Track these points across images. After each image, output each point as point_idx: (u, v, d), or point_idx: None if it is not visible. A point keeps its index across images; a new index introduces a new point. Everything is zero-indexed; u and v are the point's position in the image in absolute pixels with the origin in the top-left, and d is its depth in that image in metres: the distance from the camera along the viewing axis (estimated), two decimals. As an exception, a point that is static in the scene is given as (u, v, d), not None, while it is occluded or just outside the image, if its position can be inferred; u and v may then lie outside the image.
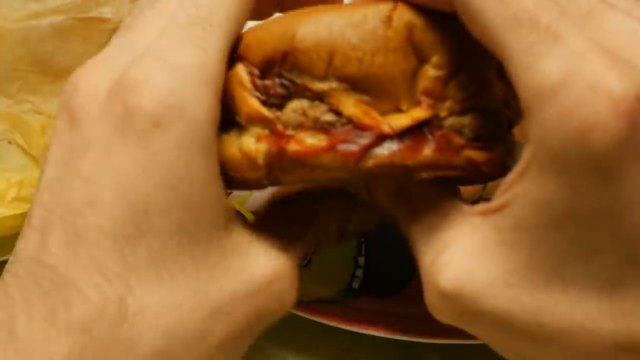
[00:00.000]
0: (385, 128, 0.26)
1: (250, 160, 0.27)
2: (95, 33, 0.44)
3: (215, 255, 0.26)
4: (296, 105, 0.26)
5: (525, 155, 0.24)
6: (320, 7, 0.28)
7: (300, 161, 0.26)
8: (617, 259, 0.24)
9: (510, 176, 0.25)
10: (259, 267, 0.27)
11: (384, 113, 0.26)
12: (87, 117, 0.26)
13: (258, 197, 0.39)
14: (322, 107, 0.26)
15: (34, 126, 0.44)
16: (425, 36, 0.26)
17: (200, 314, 0.26)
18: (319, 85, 0.26)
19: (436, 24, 0.27)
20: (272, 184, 0.27)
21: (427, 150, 0.26)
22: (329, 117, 0.26)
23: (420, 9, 0.26)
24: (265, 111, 0.27)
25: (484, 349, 0.37)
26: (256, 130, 0.27)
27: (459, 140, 0.27)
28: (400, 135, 0.26)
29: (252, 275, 0.27)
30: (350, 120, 0.26)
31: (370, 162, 0.26)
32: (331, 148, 0.26)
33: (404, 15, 0.26)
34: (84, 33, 0.44)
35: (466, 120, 0.27)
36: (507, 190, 0.25)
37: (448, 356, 0.37)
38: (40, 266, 0.25)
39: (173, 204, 0.25)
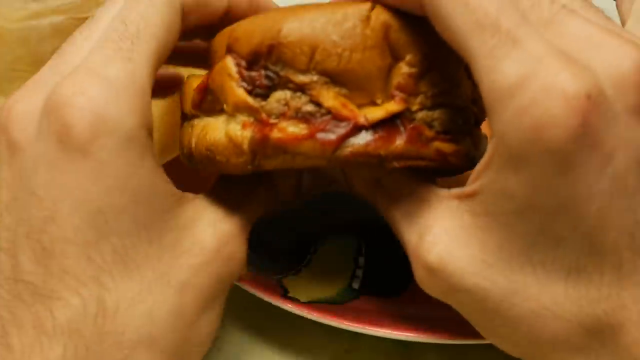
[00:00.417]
0: (361, 119, 0.28)
1: (235, 145, 0.29)
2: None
3: (170, 237, 0.28)
4: (279, 95, 0.28)
5: (489, 148, 0.26)
6: (305, 5, 0.30)
7: (282, 148, 0.28)
8: (580, 247, 0.25)
9: (479, 166, 0.27)
10: (207, 237, 0.30)
11: (360, 106, 0.28)
12: (27, 139, 0.28)
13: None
14: (304, 98, 0.28)
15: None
16: (400, 36, 0.29)
17: (171, 292, 0.28)
18: (301, 78, 0.28)
19: (411, 26, 0.29)
20: (256, 169, 0.29)
21: (399, 141, 0.28)
22: (310, 107, 0.28)
23: (396, 11, 0.29)
24: (250, 100, 0.29)
25: (484, 348, 0.37)
26: (242, 118, 0.29)
27: (428, 132, 0.29)
28: (375, 126, 0.28)
29: (202, 246, 0.29)
30: (329, 111, 0.28)
31: (346, 151, 0.28)
32: (311, 136, 0.28)
33: (381, 15, 0.28)
34: (84, 33, 0.44)
35: (436, 114, 0.29)
36: (477, 179, 0.27)
37: (448, 356, 0.37)
38: (19, 284, 0.27)
39: (124, 203, 0.27)
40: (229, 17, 0.32)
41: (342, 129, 0.28)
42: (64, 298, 0.26)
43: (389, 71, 0.28)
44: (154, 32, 0.29)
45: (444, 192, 0.29)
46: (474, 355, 0.37)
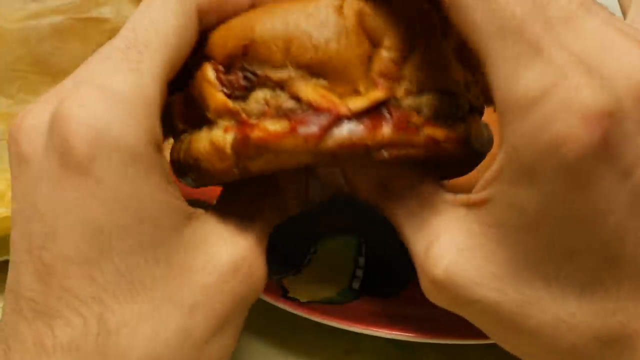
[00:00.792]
0: (343, 109, 0.27)
1: (218, 150, 0.28)
2: (95, 33, 0.44)
3: (179, 256, 0.27)
4: (259, 95, 0.28)
5: (500, 158, 0.25)
6: (277, 3, 0.29)
7: (264, 147, 0.27)
8: (595, 261, 0.25)
9: (488, 174, 0.26)
10: (222, 255, 0.28)
11: (342, 96, 0.27)
12: (34, 154, 0.27)
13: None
14: (284, 96, 0.28)
15: (34, 126, 0.44)
16: (376, 22, 0.28)
17: (179, 314, 0.27)
18: (279, 74, 0.28)
19: (386, 10, 0.28)
20: (242, 173, 0.28)
21: (386, 130, 0.27)
22: (290, 104, 0.28)
23: None
24: (230, 103, 0.28)
25: (484, 348, 0.37)
26: (224, 122, 0.28)
27: (417, 119, 0.28)
28: (359, 116, 0.27)
29: (217, 265, 0.28)
30: (309, 105, 0.27)
31: (330, 143, 0.27)
32: (292, 131, 0.27)
33: (354, 3, 0.28)
34: (84, 33, 0.44)
35: (424, 100, 0.28)
36: (485, 187, 0.26)
37: (448, 356, 0.37)
38: (21, 299, 0.26)
39: (127, 222, 0.26)
40: None
41: (323, 121, 0.27)
42: (65, 317, 0.26)
43: (369, 59, 0.28)
44: (164, 39, 0.28)
45: (450, 197, 0.28)
46: (474, 355, 0.37)
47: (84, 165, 0.26)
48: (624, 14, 0.34)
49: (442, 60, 0.29)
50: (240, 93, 0.28)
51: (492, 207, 0.26)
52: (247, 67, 0.28)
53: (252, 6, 0.30)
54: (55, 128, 0.26)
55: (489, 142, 0.32)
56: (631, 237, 0.24)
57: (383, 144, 0.27)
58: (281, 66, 0.28)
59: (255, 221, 0.30)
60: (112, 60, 0.27)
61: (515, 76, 0.24)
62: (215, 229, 0.29)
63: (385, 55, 0.28)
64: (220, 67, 0.29)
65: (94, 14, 0.44)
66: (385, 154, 0.27)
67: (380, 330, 0.35)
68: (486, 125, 0.32)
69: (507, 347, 0.28)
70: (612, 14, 0.26)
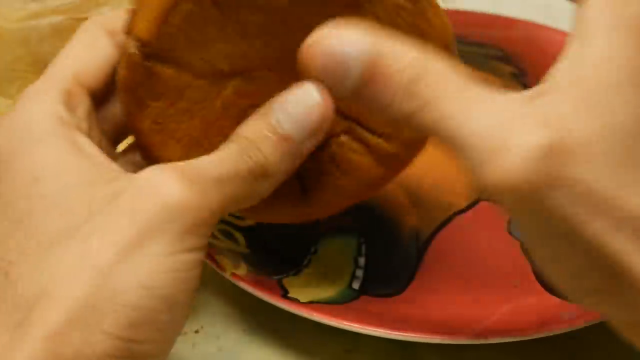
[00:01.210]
0: None
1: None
2: (95, 33, 0.44)
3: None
4: None
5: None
6: None
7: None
8: None
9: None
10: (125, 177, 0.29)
11: None
12: None
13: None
14: None
15: (34, 126, 0.44)
16: None
17: (75, 243, 0.27)
18: None
19: None
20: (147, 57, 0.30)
21: None
22: None
23: None
24: None
25: (483, 349, 0.37)
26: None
27: None
28: None
29: (118, 187, 0.28)
30: None
31: None
32: None
33: None
34: (84, 33, 0.44)
35: None
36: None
37: (448, 356, 0.37)
38: None
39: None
40: None
41: None
42: None
43: None
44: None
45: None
46: (474, 355, 0.37)
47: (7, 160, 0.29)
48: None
49: None
50: None
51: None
52: None
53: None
54: None
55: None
56: None
57: None
58: None
59: (214, 169, 0.29)
60: None
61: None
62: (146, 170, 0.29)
63: None
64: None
65: (94, 13, 0.44)
66: None
67: (380, 330, 0.35)
68: None
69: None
70: None
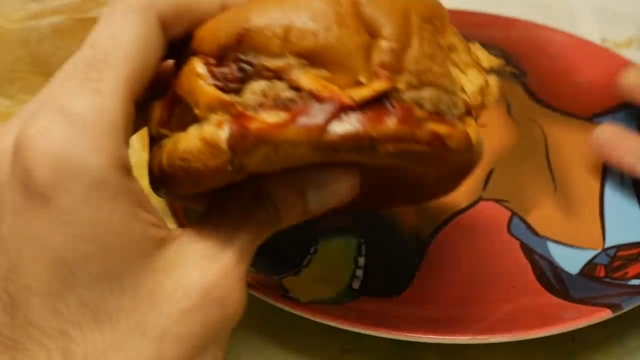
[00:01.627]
0: (346, 99, 0.26)
1: (211, 146, 0.27)
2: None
3: (148, 283, 0.26)
4: (255, 86, 0.27)
5: None
6: None
7: (263, 139, 0.26)
8: None
9: None
10: (192, 281, 0.27)
11: (342, 86, 0.26)
12: (2, 180, 0.26)
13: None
14: (281, 85, 0.26)
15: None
16: (372, 11, 0.27)
17: (148, 344, 0.26)
18: (277, 63, 0.26)
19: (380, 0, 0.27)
20: (237, 170, 0.27)
21: (391, 122, 0.26)
22: (289, 93, 0.26)
23: None
24: (224, 96, 0.27)
25: (483, 348, 0.37)
26: (216, 117, 0.27)
27: (420, 113, 0.27)
28: (362, 107, 0.26)
29: (186, 292, 0.27)
30: (310, 94, 0.26)
31: (334, 135, 0.26)
32: (293, 121, 0.26)
33: None
34: (84, 33, 0.44)
35: (425, 93, 0.27)
36: None
37: (448, 356, 0.37)
38: None
39: (92, 252, 0.25)
40: None
41: (327, 112, 0.26)
42: (29, 349, 0.25)
43: (368, 49, 0.27)
44: (126, 54, 0.27)
45: None
46: (474, 355, 0.37)
47: (46, 195, 0.25)
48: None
49: (439, 56, 0.28)
50: (233, 86, 0.27)
51: None
52: (241, 57, 0.27)
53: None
54: (17, 157, 0.25)
55: (482, 152, 0.31)
56: None
57: (388, 137, 0.26)
58: (279, 55, 0.27)
59: (235, 240, 0.28)
60: (72, 81, 0.26)
61: None
62: (188, 252, 0.27)
63: (385, 45, 0.27)
64: (211, 60, 0.27)
65: (94, 14, 0.44)
66: (390, 147, 0.26)
67: (380, 330, 0.35)
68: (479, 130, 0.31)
69: None
70: None
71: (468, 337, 0.35)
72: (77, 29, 0.44)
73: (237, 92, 0.27)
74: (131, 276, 0.26)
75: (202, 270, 0.27)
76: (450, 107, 0.28)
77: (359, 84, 0.27)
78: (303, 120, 0.26)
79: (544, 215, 0.43)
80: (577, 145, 0.47)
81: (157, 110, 0.29)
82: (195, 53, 0.28)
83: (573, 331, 0.36)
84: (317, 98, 0.26)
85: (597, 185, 0.45)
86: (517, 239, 0.42)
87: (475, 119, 0.30)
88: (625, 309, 0.36)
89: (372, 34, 0.27)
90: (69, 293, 0.25)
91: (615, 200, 0.44)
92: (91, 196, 0.25)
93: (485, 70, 0.30)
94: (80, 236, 0.25)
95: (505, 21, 0.55)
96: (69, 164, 0.25)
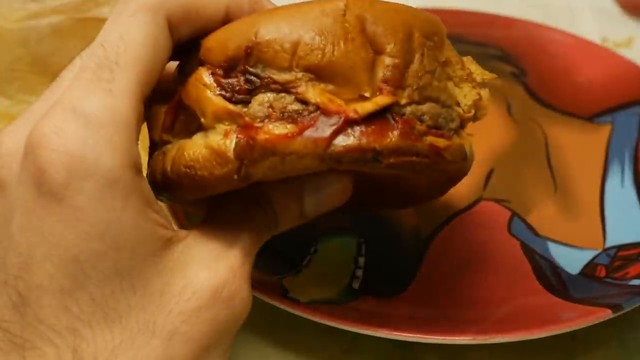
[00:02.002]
0: (352, 113, 0.27)
1: (219, 155, 0.27)
2: (95, 33, 0.45)
3: (157, 282, 0.27)
4: (262, 98, 0.27)
5: None
6: (278, 7, 0.29)
7: (270, 150, 0.27)
8: None
9: None
10: (200, 281, 0.27)
11: (348, 101, 0.27)
12: (10, 179, 0.27)
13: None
14: (288, 98, 0.27)
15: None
16: (377, 28, 0.28)
17: (157, 342, 0.26)
18: (284, 76, 0.27)
19: (385, 16, 0.28)
20: (242, 179, 0.27)
21: (393, 135, 0.27)
22: (296, 106, 0.27)
23: (369, 3, 0.28)
24: (231, 106, 0.27)
25: (483, 348, 0.37)
26: (223, 127, 0.27)
27: (420, 126, 0.28)
28: (366, 120, 0.27)
29: (195, 289, 0.27)
30: (317, 108, 0.27)
31: (339, 147, 0.27)
32: (300, 133, 0.27)
33: (355, 9, 0.28)
34: (83, 33, 0.44)
35: (425, 108, 0.29)
36: None
37: (448, 356, 0.37)
38: None
39: (104, 250, 0.26)
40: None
41: (332, 124, 0.27)
42: (38, 348, 0.25)
43: (372, 64, 0.28)
44: (136, 54, 0.27)
45: None
46: (474, 355, 0.37)
47: (59, 193, 0.25)
48: None
49: (438, 71, 0.29)
50: (241, 97, 0.28)
51: None
52: (249, 69, 0.28)
53: (225, 20, 0.30)
54: (30, 155, 0.26)
55: (472, 160, 0.32)
56: None
57: (390, 149, 0.27)
58: (287, 69, 0.27)
59: (239, 242, 0.29)
60: (84, 81, 0.27)
61: None
62: (195, 253, 0.28)
63: (389, 62, 0.28)
64: (219, 71, 0.28)
65: (93, 13, 0.44)
66: (392, 159, 0.27)
67: (380, 330, 0.35)
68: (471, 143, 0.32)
69: None
70: None
71: (468, 338, 0.35)
72: (76, 28, 0.44)
73: (245, 103, 0.28)
74: (141, 275, 0.26)
75: (210, 269, 0.28)
76: (447, 120, 0.29)
77: (363, 98, 0.28)
78: (310, 133, 0.27)
79: (544, 215, 0.43)
80: (578, 145, 0.47)
81: (160, 116, 0.30)
82: (202, 63, 0.28)
83: (573, 331, 0.36)
84: (324, 111, 0.27)
85: (598, 185, 0.45)
86: (518, 239, 0.42)
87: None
88: (626, 309, 0.35)
89: (377, 50, 0.28)
90: (80, 291, 0.25)
91: (616, 200, 0.44)
92: (104, 195, 0.25)
93: (478, 84, 0.31)
94: (93, 234, 0.25)
95: (506, 21, 0.55)
96: (83, 163, 0.25)
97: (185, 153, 0.28)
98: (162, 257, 0.27)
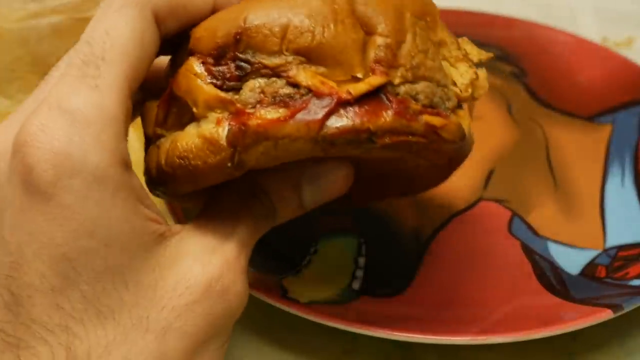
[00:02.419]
0: (344, 94, 0.27)
1: (211, 143, 0.27)
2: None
3: (150, 278, 0.26)
4: (253, 84, 0.27)
5: None
6: None
7: (263, 134, 0.27)
8: None
9: None
10: (194, 275, 0.27)
11: (340, 83, 0.27)
12: (0, 179, 0.26)
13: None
14: (280, 82, 0.27)
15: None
16: (367, 9, 0.28)
17: (150, 338, 0.26)
18: (275, 61, 0.27)
19: None
20: (236, 167, 0.27)
21: (387, 115, 0.27)
22: (287, 90, 0.27)
23: None
24: (222, 94, 0.27)
25: (483, 349, 0.37)
26: (214, 115, 0.27)
27: (415, 106, 0.28)
28: (359, 100, 0.27)
29: (189, 284, 0.27)
30: (308, 91, 0.27)
31: (332, 129, 0.27)
32: (292, 117, 0.27)
33: None
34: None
35: (419, 87, 0.28)
36: None
37: (448, 356, 0.37)
38: None
39: (94, 247, 0.25)
40: None
41: (325, 106, 0.27)
42: (32, 347, 0.25)
43: (364, 45, 0.28)
44: (122, 49, 0.27)
45: None
46: (473, 355, 0.37)
47: (47, 192, 0.25)
48: None
49: (431, 51, 0.29)
50: (232, 84, 0.27)
51: None
52: (239, 56, 0.27)
53: (213, 12, 0.29)
54: (18, 154, 0.26)
55: (472, 143, 0.32)
56: None
57: (385, 129, 0.27)
58: (277, 52, 0.27)
59: (234, 234, 0.29)
60: (70, 77, 0.26)
61: None
62: (189, 247, 0.28)
63: (381, 42, 0.28)
64: (209, 59, 0.28)
65: (93, 13, 0.44)
66: (387, 139, 0.27)
67: (380, 330, 0.35)
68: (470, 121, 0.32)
69: None
70: None
71: (468, 338, 0.35)
72: (76, 28, 0.44)
73: (236, 90, 0.27)
74: (133, 271, 0.26)
75: (203, 263, 0.27)
76: (443, 99, 0.29)
77: (355, 79, 0.27)
78: (302, 116, 0.27)
79: (544, 216, 0.43)
80: (578, 145, 0.47)
81: (153, 111, 0.30)
82: (192, 53, 0.28)
83: (573, 331, 0.36)
84: (316, 94, 0.27)
85: (598, 185, 0.45)
86: (518, 239, 0.42)
87: (470, 113, 0.31)
88: (626, 310, 0.35)
89: (368, 31, 0.28)
90: (71, 289, 0.25)
91: (616, 200, 0.44)
92: (92, 192, 0.25)
93: (475, 64, 0.31)
94: (82, 232, 0.25)
95: (506, 21, 0.55)
96: (70, 160, 0.25)
97: (179, 144, 0.28)
98: (154, 252, 0.27)
